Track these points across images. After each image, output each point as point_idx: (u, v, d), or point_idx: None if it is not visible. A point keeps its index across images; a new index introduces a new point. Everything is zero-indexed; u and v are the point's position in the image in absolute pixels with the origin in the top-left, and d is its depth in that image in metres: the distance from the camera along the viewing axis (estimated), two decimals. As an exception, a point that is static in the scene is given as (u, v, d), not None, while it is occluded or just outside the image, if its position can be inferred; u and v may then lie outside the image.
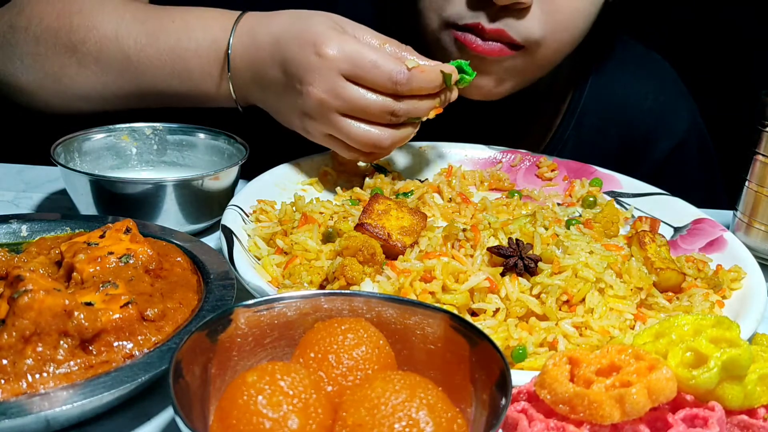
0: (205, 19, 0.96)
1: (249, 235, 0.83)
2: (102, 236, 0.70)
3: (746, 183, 0.93)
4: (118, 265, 0.67)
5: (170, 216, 0.87)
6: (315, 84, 0.86)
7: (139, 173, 0.99)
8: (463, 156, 1.08)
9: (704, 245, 0.89)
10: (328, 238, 0.82)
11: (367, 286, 0.73)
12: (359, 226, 0.78)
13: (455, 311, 0.67)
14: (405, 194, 0.94)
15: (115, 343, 0.59)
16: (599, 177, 1.03)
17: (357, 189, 0.95)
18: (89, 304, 0.60)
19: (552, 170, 1.06)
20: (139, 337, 0.60)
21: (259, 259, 0.79)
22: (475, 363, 0.54)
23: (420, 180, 1.01)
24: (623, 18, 1.29)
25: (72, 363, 0.56)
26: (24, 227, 0.78)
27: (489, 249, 0.75)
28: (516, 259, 0.74)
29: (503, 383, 0.50)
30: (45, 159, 0.89)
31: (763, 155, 0.90)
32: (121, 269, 0.67)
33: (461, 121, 1.07)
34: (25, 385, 0.54)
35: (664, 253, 0.81)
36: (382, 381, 0.48)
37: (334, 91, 0.86)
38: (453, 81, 0.90)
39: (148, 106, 1.02)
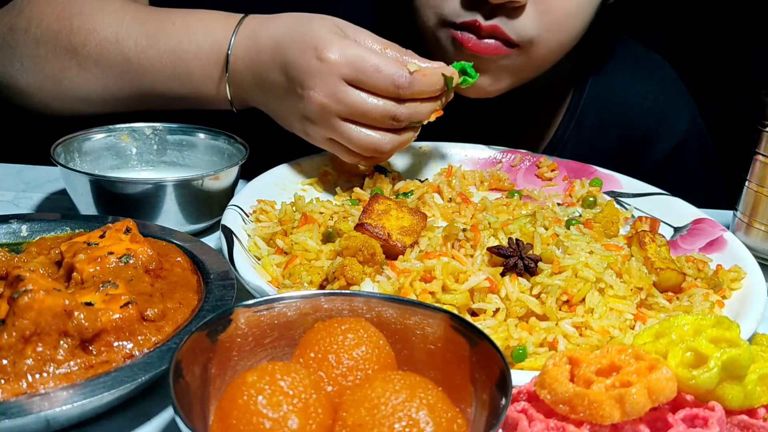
0: (206, 21, 0.96)
1: (249, 235, 0.83)
2: (102, 236, 0.70)
3: (746, 183, 0.93)
4: (118, 265, 0.67)
5: (170, 216, 0.87)
6: (316, 88, 0.86)
7: (139, 173, 0.99)
8: (463, 156, 1.08)
9: (704, 245, 0.89)
10: (328, 238, 0.82)
11: (367, 286, 0.73)
12: (359, 226, 0.78)
13: (455, 311, 0.67)
14: (405, 194, 0.94)
15: (115, 343, 0.59)
16: (599, 177, 1.03)
17: (357, 189, 0.95)
18: (89, 304, 0.60)
19: (552, 170, 1.06)
20: (139, 337, 0.60)
21: (259, 259, 0.79)
22: (475, 363, 0.54)
23: (420, 180, 1.01)
24: (623, 18, 1.29)
25: (72, 363, 0.56)
26: (24, 227, 0.78)
27: (489, 249, 0.75)
28: (516, 259, 0.74)
29: (503, 383, 0.50)
30: (45, 159, 0.89)
31: (763, 155, 0.90)
32: (121, 269, 0.67)
33: (461, 121, 1.07)
34: (25, 385, 0.54)
35: (664, 253, 0.81)
36: (382, 381, 0.48)
37: (336, 95, 0.86)
38: (454, 84, 0.90)
39: (148, 108, 1.02)
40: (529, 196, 1.00)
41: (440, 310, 0.58)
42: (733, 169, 0.99)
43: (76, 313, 0.57)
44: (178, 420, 0.45)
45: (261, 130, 1.00)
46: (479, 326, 0.60)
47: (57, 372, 0.56)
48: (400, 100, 0.87)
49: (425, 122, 0.91)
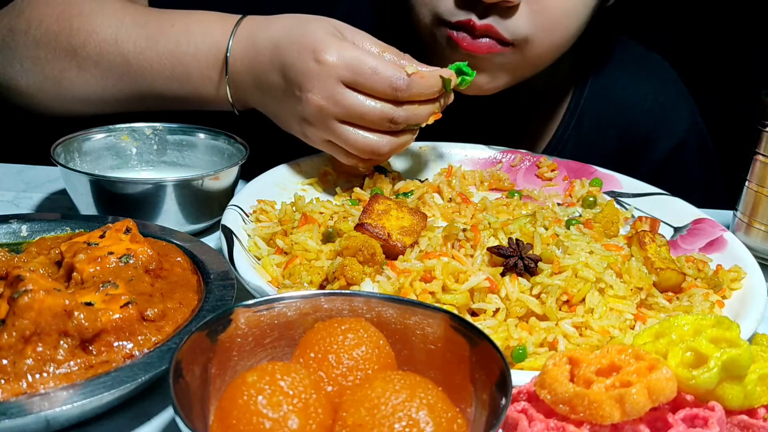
0: (205, 22, 0.96)
1: (249, 235, 0.83)
2: (102, 236, 0.70)
3: (746, 183, 0.93)
4: (118, 265, 0.67)
5: (170, 216, 0.87)
6: (314, 91, 0.86)
7: (139, 173, 0.99)
8: (463, 156, 1.08)
9: (704, 245, 0.89)
10: (328, 238, 0.82)
11: (367, 286, 0.73)
12: (359, 226, 0.78)
13: (455, 311, 0.67)
14: (405, 194, 0.94)
15: (115, 343, 0.59)
16: (599, 177, 1.03)
17: (357, 189, 0.95)
18: (89, 304, 0.60)
19: (552, 170, 1.06)
20: (139, 337, 0.60)
21: (259, 259, 0.79)
22: (475, 363, 0.54)
23: (420, 180, 1.01)
24: (622, 19, 1.29)
25: (72, 363, 0.56)
26: (24, 227, 0.78)
27: (489, 249, 0.75)
28: (516, 259, 0.74)
29: (503, 383, 0.50)
30: (45, 159, 0.89)
31: (763, 155, 0.90)
32: (121, 269, 0.67)
33: (461, 121, 1.07)
34: (25, 385, 0.54)
35: (664, 253, 0.81)
36: (382, 381, 0.48)
37: (334, 98, 0.86)
38: (452, 86, 0.90)
39: (147, 109, 1.02)
40: (529, 196, 1.00)
41: (440, 310, 0.58)
42: (733, 169, 0.99)
43: (76, 313, 0.57)
44: (178, 420, 0.45)
45: (261, 130, 1.00)
46: (479, 326, 0.60)
47: (57, 372, 0.56)
48: (397, 102, 0.87)
49: (423, 125, 0.91)
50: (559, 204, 0.98)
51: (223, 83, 0.95)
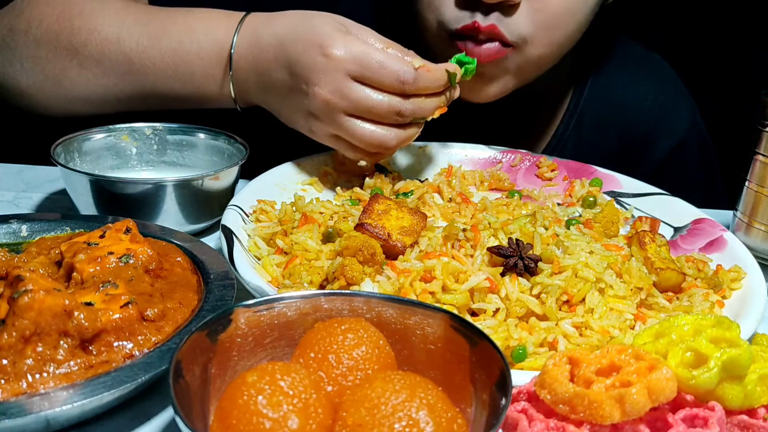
0: (208, 20, 0.96)
1: (249, 235, 0.83)
2: (102, 236, 0.70)
3: (746, 183, 0.93)
4: (118, 265, 0.67)
5: (170, 216, 0.87)
6: (321, 84, 0.86)
7: (139, 173, 0.99)
8: (463, 156, 1.08)
9: (704, 245, 0.89)
10: (328, 238, 0.82)
11: (367, 286, 0.73)
12: (359, 226, 0.78)
13: (455, 311, 0.67)
14: (405, 194, 0.94)
15: (115, 343, 0.59)
16: (599, 177, 1.03)
17: (357, 189, 0.95)
18: (89, 304, 0.60)
19: (552, 170, 1.06)
20: (139, 337, 0.60)
21: (259, 259, 0.79)
22: (475, 363, 0.54)
23: (420, 180, 1.01)
24: (622, 18, 1.29)
25: (72, 363, 0.56)
26: (24, 227, 0.78)
27: (489, 249, 0.75)
28: (516, 259, 0.74)
29: (503, 383, 0.50)
30: (45, 159, 0.89)
31: (763, 155, 0.90)
32: (121, 269, 0.67)
33: (461, 121, 1.07)
34: (25, 385, 0.54)
35: (664, 253, 0.81)
36: (382, 381, 0.48)
37: (341, 91, 0.86)
38: (458, 79, 0.91)
39: (148, 108, 1.02)
40: (529, 196, 1.00)
41: (440, 310, 0.58)
42: (733, 169, 0.99)
43: (76, 313, 0.57)
44: (178, 420, 0.45)
45: (261, 130, 1.00)
46: (479, 326, 0.60)
47: (57, 372, 0.56)
48: (404, 95, 0.87)
49: (429, 119, 0.91)
50: (559, 204, 0.98)
51: (226, 81, 0.95)
